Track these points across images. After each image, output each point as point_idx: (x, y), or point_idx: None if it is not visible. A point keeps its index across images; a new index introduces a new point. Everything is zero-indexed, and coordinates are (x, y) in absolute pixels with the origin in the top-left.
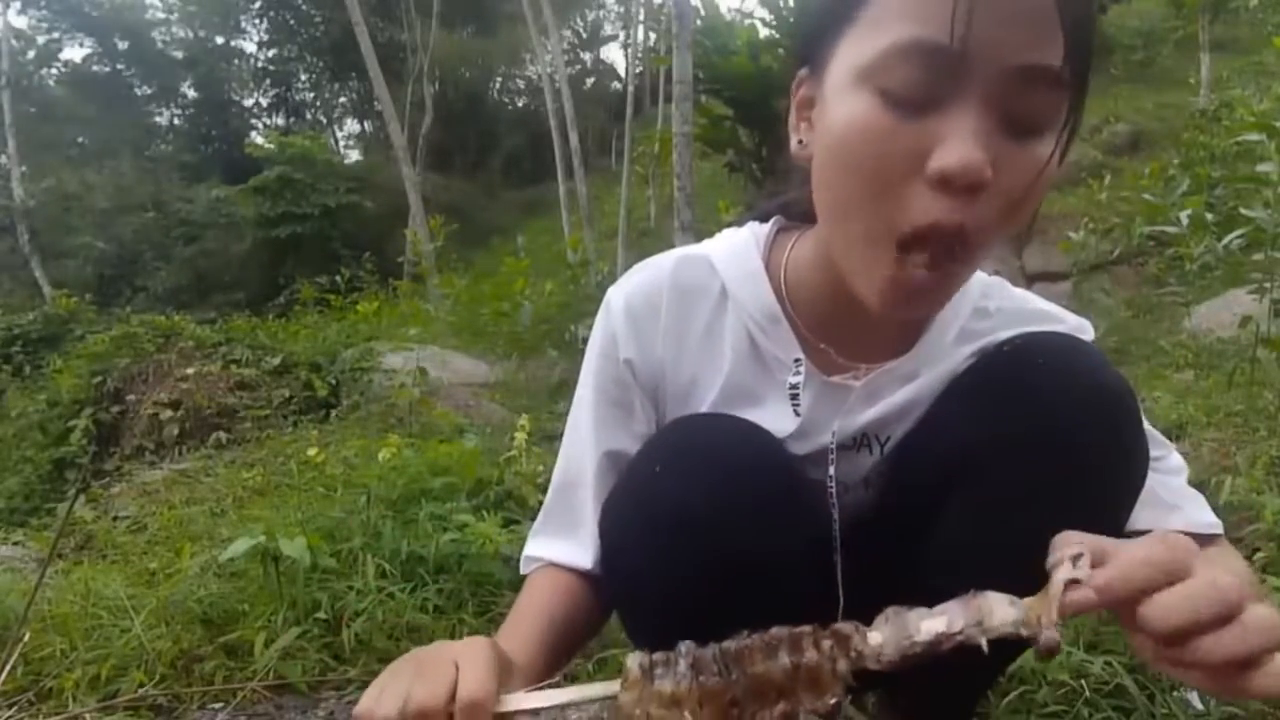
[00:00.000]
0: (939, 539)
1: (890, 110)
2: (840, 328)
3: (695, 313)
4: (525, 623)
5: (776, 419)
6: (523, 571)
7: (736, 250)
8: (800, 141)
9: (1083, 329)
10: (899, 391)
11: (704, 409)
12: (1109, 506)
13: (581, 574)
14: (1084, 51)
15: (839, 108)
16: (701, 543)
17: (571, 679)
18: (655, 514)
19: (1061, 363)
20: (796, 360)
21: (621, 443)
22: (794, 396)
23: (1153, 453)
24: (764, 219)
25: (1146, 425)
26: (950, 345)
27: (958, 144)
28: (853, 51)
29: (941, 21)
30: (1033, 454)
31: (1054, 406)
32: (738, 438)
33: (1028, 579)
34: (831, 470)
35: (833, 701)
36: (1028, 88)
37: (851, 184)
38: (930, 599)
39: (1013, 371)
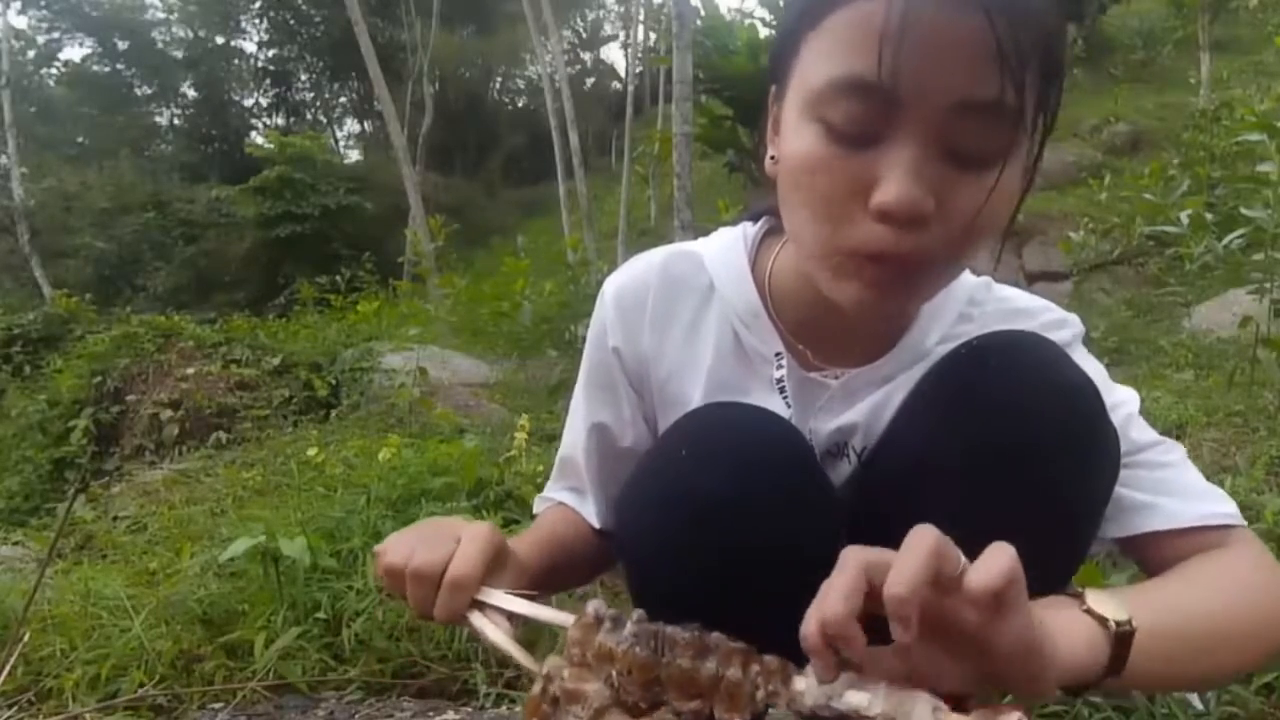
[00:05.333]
0: None
1: (833, 143)
2: (818, 330)
3: (681, 306)
4: (532, 535)
5: None
6: (536, 510)
7: (725, 248)
8: (773, 158)
9: (1064, 324)
10: (874, 393)
11: (692, 401)
12: (1073, 503)
13: (588, 523)
14: (1037, 79)
15: (791, 137)
16: (723, 527)
17: None
18: (678, 498)
19: (1012, 363)
20: (777, 354)
21: (608, 418)
22: (781, 390)
23: (1144, 454)
24: (756, 219)
25: (1142, 421)
26: (932, 348)
27: (895, 180)
28: (802, 78)
29: (873, 58)
30: (988, 457)
31: (1005, 408)
32: (765, 427)
33: None
34: None
35: None
36: (969, 121)
37: (804, 211)
38: None
39: (965, 376)
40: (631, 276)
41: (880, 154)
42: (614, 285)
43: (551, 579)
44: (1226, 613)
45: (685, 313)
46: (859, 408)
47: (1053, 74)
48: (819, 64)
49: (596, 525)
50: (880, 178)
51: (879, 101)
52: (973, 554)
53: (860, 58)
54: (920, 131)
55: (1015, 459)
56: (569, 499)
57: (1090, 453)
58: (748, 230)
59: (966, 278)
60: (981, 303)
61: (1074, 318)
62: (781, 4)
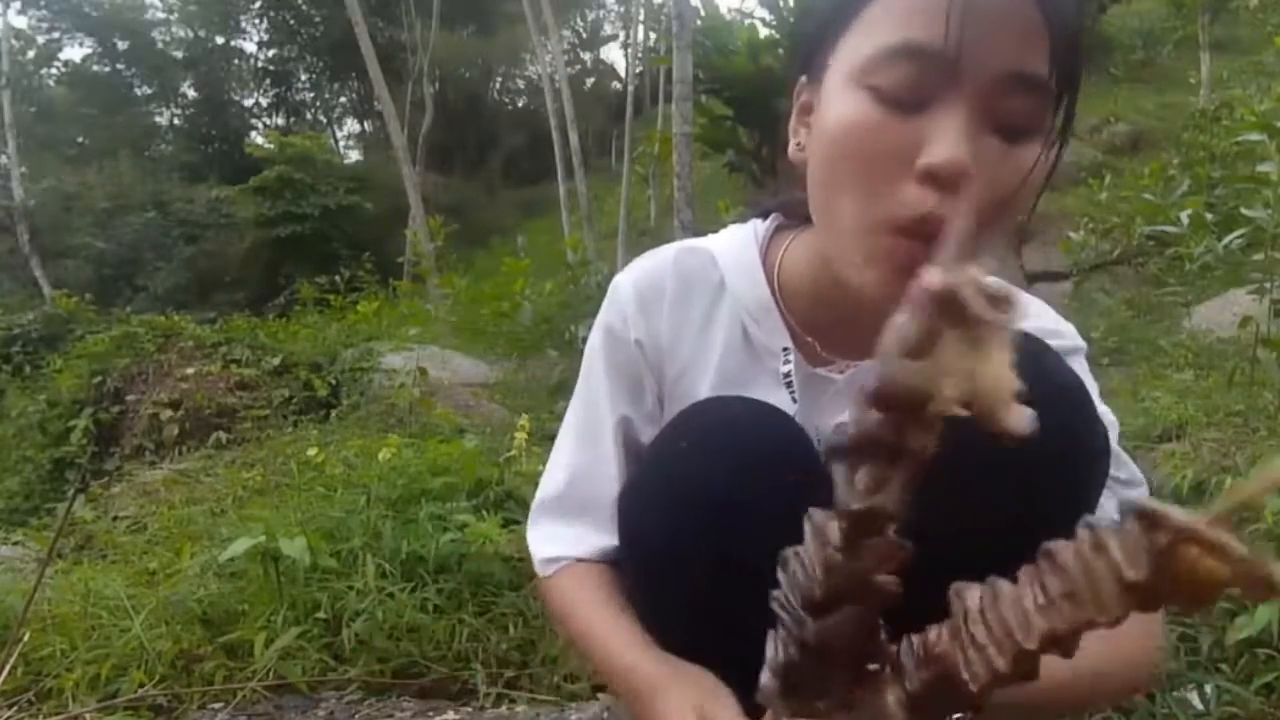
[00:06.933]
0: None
1: (881, 108)
2: (827, 322)
3: (694, 301)
4: (637, 634)
5: None
6: (547, 573)
7: (736, 244)
8: (798, 145)
9: (1060, 334)
10: None
11: (700, 396)
12: (1066, 495)
13: (607, 558)
14: (1071, 60)
15: (834, 106)
16: (727, 522)
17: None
18: (680, 491)
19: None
20: (785, 349)
21: (631, 412)
22: (789, 384)
23: (1115, 473)
24: (764, 216)
25: (1114, 448)
26: None
27: (945, 142)
28: (849, 55)
29: (934, 26)
30: (977, 454)
31: None
32: (761, 419)
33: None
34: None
35: None
36: (1014, 93)
37: (843, 178)
38: (909, 591)
39: None
40: (647, 270)
41: (927, 121)
42: (631, 279)
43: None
44: (1120, 653)
45: (699, 309)
46: None
47: (1079, 58)
48: (869, 36)
49: (615, 543)
50: (928, 140)
51: (933, 67)
52: (964, 551)
53: (918, 25)
54: (970, 100)
55: (1005, 454)
56: (578, 547)
57: (1080, 446)
58: (758, 227)
59: None
60: None
61: (1071, 329)
62: (783, 3)
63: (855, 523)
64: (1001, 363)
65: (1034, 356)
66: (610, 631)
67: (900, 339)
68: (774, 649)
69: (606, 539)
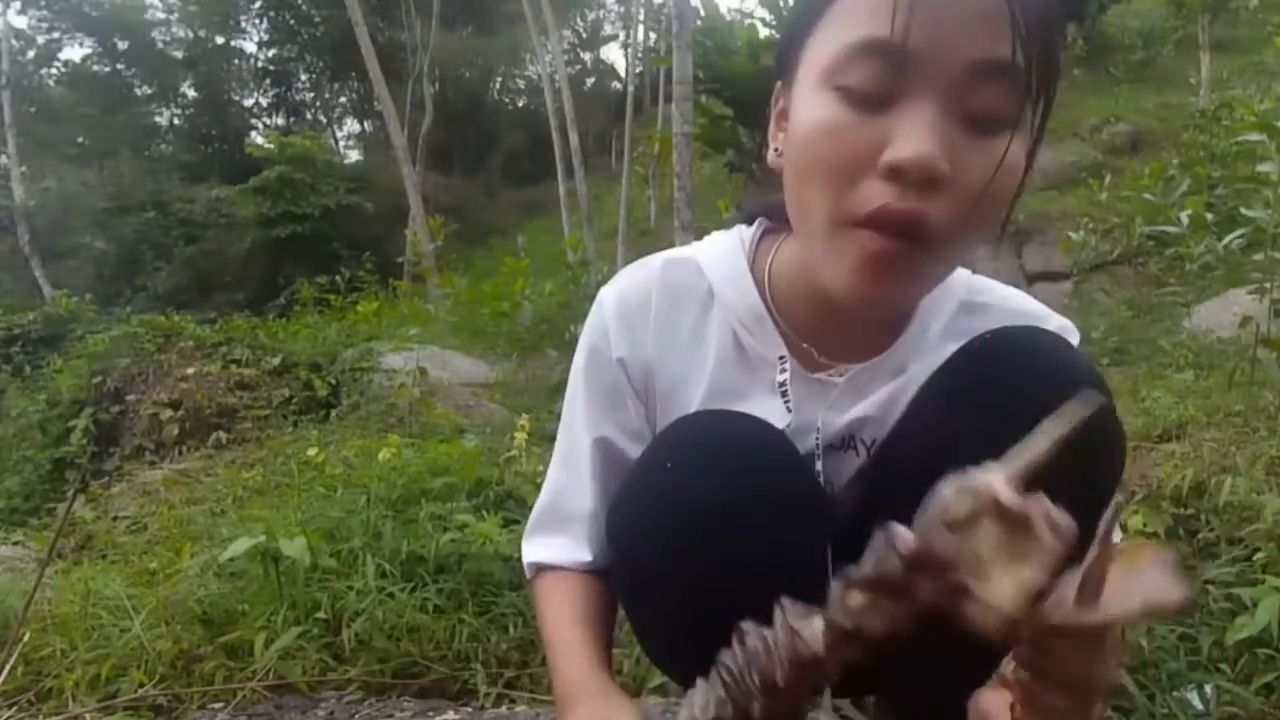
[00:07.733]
0: None
1: (850, 107)
2: (822, 327)
3: (683, 313)
4: (579, 645)
5: (767, 416)
6: (530, 576)
7: (723, 252)
8: (776, 150)
9: (1065, 330)
10: (885, 386)
11: (693, 408)
12: (1087, 491)
13: (585, 569)
14: (1040, 43)
15: (804, 110)
16: (713, 539)
17: None
18: (667, 510)
19: (1024, 355)
20: (781, 358)
21: (611, 431)
22: (784, 393)
23: None
24: (749, 221)
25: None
26: (936, 340)
27: (911, 137)
28: (815, 57)
29: (889, 19)
30: (1002, 449)
31: (1018, 400)
32: (749, 434)
33: None
34: (819, 466)
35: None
36: (982, 82)
37: (813, 179)
38: None
39: (977, 369)
40: (632, 284)
41: (895, 117)
42: (613, 293)
43: (611, 660)
44: None
45: (687, 321)
46: (871, 401)
47: (1054, 44)
48: (834, 38)
49: (588, 559)
50: (893, 137)
51: (894, 62)
52: None
53: (878, 21)
54: (938, 94)
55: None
56: (556, 554)
57: (1102, 443)
58: (744, 233)
59: (961, 272)
60: (983, 290)
61: (1070, 325)
62: (782, 4)
63: (838, 636)
64: (1028, 579)
65: (1061, 354)
66: (559, 638)
67: (944, 510)
68: (704, 702)
69: (583, 553)
